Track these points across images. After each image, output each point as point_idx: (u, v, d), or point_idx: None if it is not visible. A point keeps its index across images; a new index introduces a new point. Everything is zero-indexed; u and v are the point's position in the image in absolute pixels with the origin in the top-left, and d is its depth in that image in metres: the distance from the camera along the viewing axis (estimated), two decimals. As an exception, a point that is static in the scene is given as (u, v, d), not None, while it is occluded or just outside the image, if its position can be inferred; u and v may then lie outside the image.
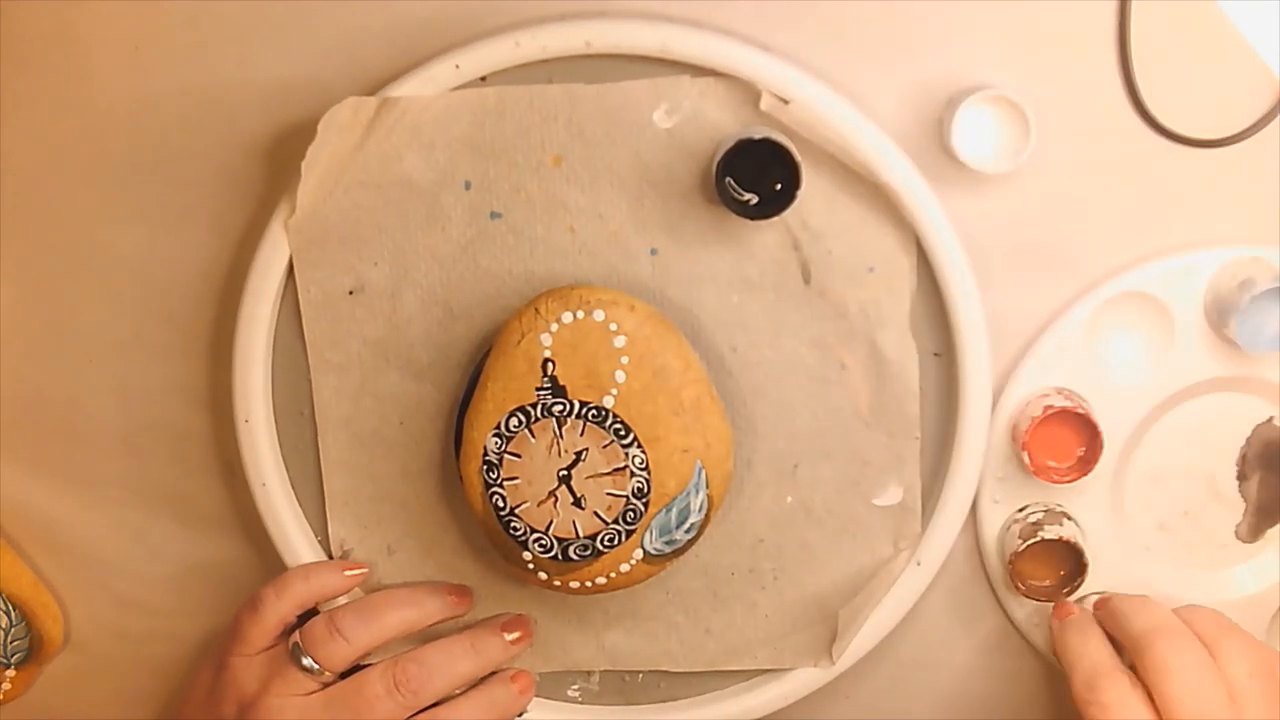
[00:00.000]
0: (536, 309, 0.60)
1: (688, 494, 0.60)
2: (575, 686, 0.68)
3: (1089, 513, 0.66)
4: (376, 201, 0.62)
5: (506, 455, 0.60)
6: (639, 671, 0.68)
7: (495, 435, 0.60)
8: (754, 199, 0.59)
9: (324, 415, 0.65)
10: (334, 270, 0.63)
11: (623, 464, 0.60)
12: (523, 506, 0.61)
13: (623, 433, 0.60)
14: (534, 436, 0.60)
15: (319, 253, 0.63)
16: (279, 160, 0.64)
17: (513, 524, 0.61)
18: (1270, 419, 0.65)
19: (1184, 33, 0.61)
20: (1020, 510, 0.66)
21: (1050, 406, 0.63)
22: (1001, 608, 0.68)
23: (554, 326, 0.59)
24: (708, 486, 0.60)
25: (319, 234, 0.62)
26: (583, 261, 0.62)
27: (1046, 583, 0.65)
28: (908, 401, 0.63)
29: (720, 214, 0.61)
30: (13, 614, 0.69)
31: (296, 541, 0.66)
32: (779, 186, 0.58)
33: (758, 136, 0.58)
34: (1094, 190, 0.63)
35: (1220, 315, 0.63)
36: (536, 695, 0.68)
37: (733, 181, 0.59)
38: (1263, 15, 0.61)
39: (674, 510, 0.60)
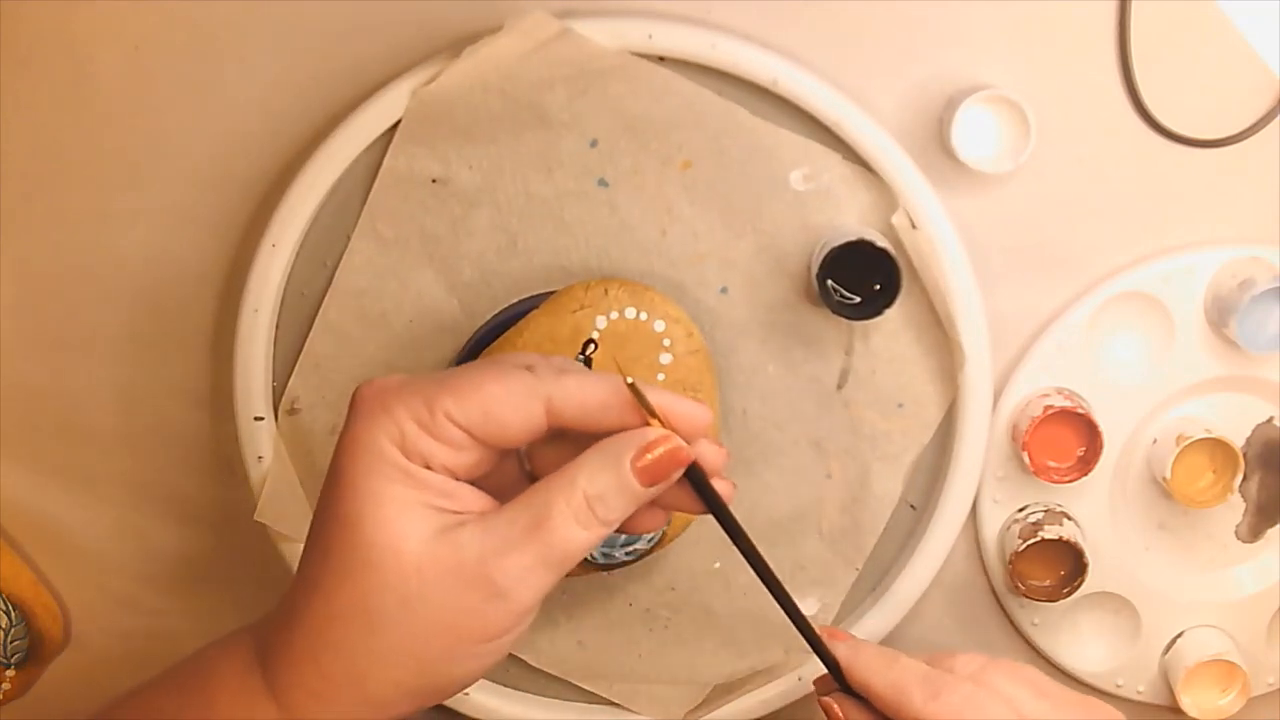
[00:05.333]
0: (607, 289, 0.60)
1: None
2: None
3: (1089, 513, 0.66)
4: (505, 113, 0.61)
5: None
6: None
7: None
8: (855, 299, 0.58)
9: (342, 277, 0.63)
10: (430, 154, 0.62)
11: None
12: None
13: None
14: None
15: (427, 131, 0.62)
16: (279, 160, 0.64)
17: None
18: (1270, 419, 0.65)
19: (1184, 33, 0.61)
20: (1020, 510, 0.66)
21: (1050, 406, 0.63)
22: (1001, 608, 0.68)
23: (614, 314, 0.59)
24: (668, 524, 0.60)
25: (437, 115, 0.61)
26: (658, 265, 0.62)
27: (1046, 583, 0.65)
28: (867, 535, 0.65)
29: (797, 290, 0.62)
30: (13, 614, 0.69)
31: (254, 375, 0.64)
32: (877, 288, 0.58)
33: (879, 243, 0.58)
34: (1094, 190, 0.63)
35: (1220, 315, 0.63)
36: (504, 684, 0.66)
37: (834, 283, 0.58)
38: (1263, 15, 0.61)
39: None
